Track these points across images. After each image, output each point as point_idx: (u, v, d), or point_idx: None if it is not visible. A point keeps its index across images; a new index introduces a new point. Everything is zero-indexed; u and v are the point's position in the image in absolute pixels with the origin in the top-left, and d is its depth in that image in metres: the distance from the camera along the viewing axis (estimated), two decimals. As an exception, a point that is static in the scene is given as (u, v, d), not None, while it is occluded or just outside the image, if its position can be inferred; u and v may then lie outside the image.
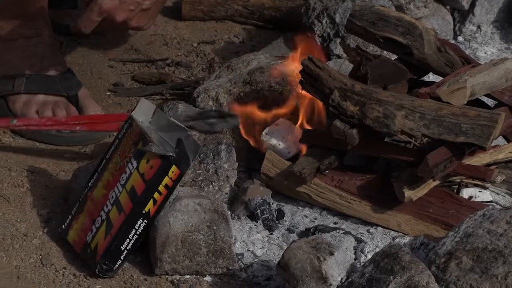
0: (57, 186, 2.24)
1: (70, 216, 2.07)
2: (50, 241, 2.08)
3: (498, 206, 2.16)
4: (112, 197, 2.01)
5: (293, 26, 2.83)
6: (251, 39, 2.91)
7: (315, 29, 2.71)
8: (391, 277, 1.83)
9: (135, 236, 1.98)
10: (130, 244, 1.98)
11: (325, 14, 2.70)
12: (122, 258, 1.99)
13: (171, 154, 1.97)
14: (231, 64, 2.54)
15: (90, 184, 2.06)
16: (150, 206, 1.98)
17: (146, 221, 1.98)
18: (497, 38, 2.92)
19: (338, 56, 2.67)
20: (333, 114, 2.17)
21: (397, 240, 2.10)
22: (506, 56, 2.82)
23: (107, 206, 2.01)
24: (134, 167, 2.00)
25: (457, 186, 2.19)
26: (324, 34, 2.70)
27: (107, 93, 2.65)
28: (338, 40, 2.68)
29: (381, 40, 2.28)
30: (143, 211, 1.98)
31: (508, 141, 2.30)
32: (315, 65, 2.20)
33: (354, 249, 2.06)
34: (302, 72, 2.22)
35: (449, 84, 2.18)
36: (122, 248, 1.98)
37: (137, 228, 1.98)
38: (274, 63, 2.51)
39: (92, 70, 2.75)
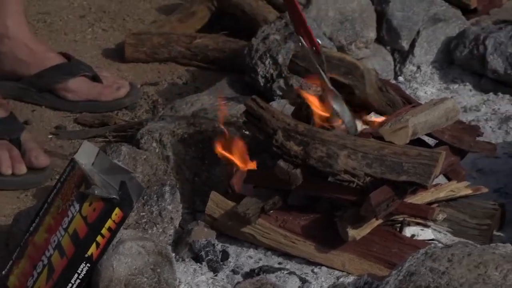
0: (-2, 231, 2.21)
1: (11, 261, 2.03)
2: (-9, 287, 2.04)
3: (440, 244, 2.17)
4: (54, 241, 1.98)
5: (237, 67, 2.85)
6: (194, 80, 2.92)
7: (258, 70, 2.73)
8: (336, 317, 1.83)
9: (78, 281, 1.95)
10: (73, 288, 1.95)
11: (268, 55, 2.72)
12: (64, 303, 1.96)
13: (114, 196, 1.96)
14: (174, 105, 2.54)
15: (31, 228, 2.04)
16: (93, 249, 1.96)
17: (89, 265, 1.96)
18: (437, 78, 2.97)
19: (281, 97, 2.69)
20: (276, 154, 2.17)
21: (341, 279, 2.10)
22: (445, 95, 2.86)
23: (48, 251, 1.98)
24: (77, 210, 1.98)
25: (399, 224, 2.21)
26: (267, 75, 2.72)
27: (49, 136, 2.63)
28: (281, 81, 2.70)
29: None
30: (86, 255, 1.96)
31: (449, 180, 2.33)
32: (258, 105, 2.21)
33: (298, 289, 2.06)
34: (245, 112, 2.23)
35: (391, 124, 2.21)
36: (65, 293, 1.95)
37: (79, 272, 1.95)
38: (218, 104, 2.52)
39: (34, 113, 2.72)
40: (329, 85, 2.23)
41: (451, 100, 2.34)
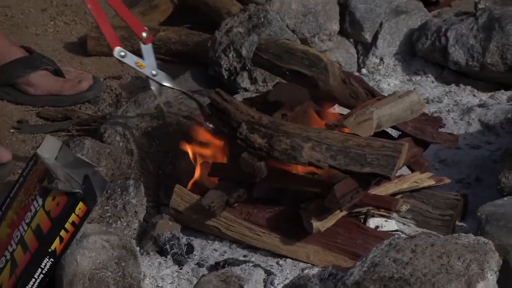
0: (-40, 226, 2.18)
1: (-27, 256, 2.02)
2: (-47, 283, 2.02)
3: (403, 235, 2.19)
4: (17, 236, 1.97)
5: (200, 60, 2.84)
6: (158, 74, 2.91)
7: (222, 63, 2.72)
8: (301, 308, 1.84)
9: (41, 276, 1.94)
10: (36, 283, 1.94)
11: (232, 48, 2.72)
12: (28, 299, 1.94)
13: (77, 190, 1.94)
14: (138, 98, 2.53)
15: (-6, 223, 2.02)
16: (56, 244, 1.95)
17: (53, 260, 1.95)
18: (399, 70, 2.99)
19: (245, 90, 2.69)
20: (241, 147, 2.17)
21: (306, 271, 2.11)
22: (408, 87, 2.88)
23: (11, 246, 1.96)
24: (40, 205, 1.97)
25: (363, 216, 2.22)
26: (231, 68, 2.72)
27: (11, 131, 2.60)
28: (245, 74, 2.70)
29: (287, 73, 2.31)
30: (49, 250, 1.94)
31: (412, 171, 2.35)
32: (222, 98, 2.21)
33: (263, 281, 2.06)
34: (209, 105, 2.23)
35: (356, 116, 2.21)
36: (28, 288, 1.94)
37: (43, 267, 1.94)
38: (182, 97, 2.51)
39: (-5, 107, 2.70)
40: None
41: (416, 93, 2.35)
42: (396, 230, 2.23)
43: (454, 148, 2.49)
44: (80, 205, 1.95)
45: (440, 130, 2.42)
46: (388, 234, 2.17)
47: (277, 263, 2.16)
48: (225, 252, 2.20)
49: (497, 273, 1.90)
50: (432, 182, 2.32)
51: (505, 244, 2.00)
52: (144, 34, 2.14)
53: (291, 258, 2.16)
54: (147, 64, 2.16)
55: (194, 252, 2.19)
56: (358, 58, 3.01)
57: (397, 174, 2.22)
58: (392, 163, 2.09)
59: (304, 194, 2.20)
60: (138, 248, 2.15)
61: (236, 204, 2.21)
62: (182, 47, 2.94)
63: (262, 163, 2.14)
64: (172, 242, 2.16)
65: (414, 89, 2.84)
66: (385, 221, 2.23)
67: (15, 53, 2.70)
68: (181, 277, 2.11)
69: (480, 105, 2.76)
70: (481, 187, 2.44)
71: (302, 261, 2.16)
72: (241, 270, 2.08)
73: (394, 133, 2.39)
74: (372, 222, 2.22)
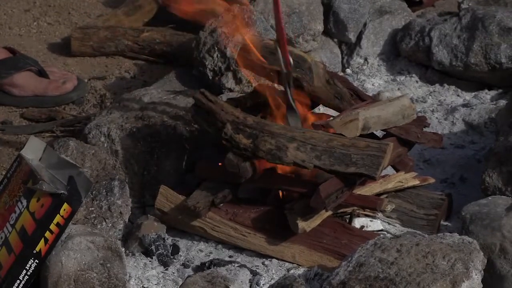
0: None
1: (-42, 258, 2.01)
2: None
3: (388, 235, 2.20)
4: (1, 237, 1.96)
5: (185, 60, 2.84)
6: (142, 74, 2.91)
7: (207, 63, 2.72)
8: (287, 308, 1.84)
9: (26, 277, 1.93)
10: (21, 285, 1.93)
11: (216, 48, 2.72)
12: (13, 300, 1.94)
13: (62, 191, 1.94)
14: (122, 99, 2.53)
15: (-22, 225, 2.01)
16: (41, 245, 1.94)
17: (38, 261, 1.94)
18: (384, 70, 3.00)
19: (230, 90, 2.69)
20: (226, 147, 2.17)
21: (291, 271, 2.11)
22: (392, 87, 2.89)
23: (-4, 247, 1.96)
24: (24, 206, 1.96)
25: (349, 216, 2.22)
26: (216, 68, 2.72)
27: (-5, 132, 2.60)
28: (230, 74, 2.70)
29: (271, 73, 2.31)
30: (34, 251, 1.94)
31: (397, 171, 2.35)
32: (207, 98, 2.21)
33: (249, 282, 2.06)
34: (194, 106, 2.23)
35: (342, 117, 2.22)
36: (13, 290, 1.93)
37: (28, 268, 1.93)
38: (166, 97, 2.51)
39: (-21, 108, 2.69)
40: (291, 100, 2.23)
41: (406, 98, 2.36)
42: (381, 230, 2.24)
43: (438, 147, 2.50)
44: (65, 206, 1.94)
45: (424, 129, 2.43)
46: (374, 234, 2.17)
47: (263, 263, 2.16)
48: (210, 252, 2.20)
49: (482, 272, 1.91)
50: (416, 182, 2.33)
51: (489, 243, 2.01)
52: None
53: (276, 259, 2.17)
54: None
55: (179, 253, 2.18)
56: (343, 58, 3.02)
57: (382, 174, 2.22)
58: (377, 163, 2.10)
59: (289, 194, 2.20)
60: (124, 249, 2.15)
61: (221, 205, 2.21)
62: (167, 47, 2.94)
63: (247, 163, 2.14)
64: (157, 243, 2.16)
65: (399, 88, 2.85)
66: (370, 221, 2.23)
67: None
68: (167, 278, 2.11)
69: (464, 105, 2.78)
70: (466, 186, 2.45)
71: (287, 261, 2.16)
72: (226, 270, 2.08)
73: (379, 133, 2.39)
74: (358, 222, 2.22)
